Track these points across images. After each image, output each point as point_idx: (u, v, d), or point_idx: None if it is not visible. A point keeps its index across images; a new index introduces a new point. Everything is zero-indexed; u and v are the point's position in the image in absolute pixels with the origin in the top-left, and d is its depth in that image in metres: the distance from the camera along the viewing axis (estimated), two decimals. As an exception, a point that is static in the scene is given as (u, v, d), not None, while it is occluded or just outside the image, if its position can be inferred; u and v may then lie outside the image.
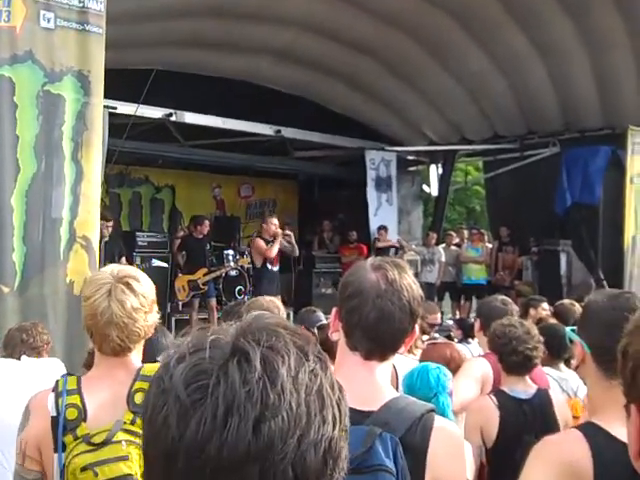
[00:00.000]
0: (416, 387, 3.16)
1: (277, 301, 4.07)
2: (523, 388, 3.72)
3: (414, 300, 1.91)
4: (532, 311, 6.24)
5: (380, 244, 13.42)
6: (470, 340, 7.76)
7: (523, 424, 3.55)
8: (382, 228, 13.61)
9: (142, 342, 2.45)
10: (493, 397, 3.70)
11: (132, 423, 2.26)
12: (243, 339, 0.90)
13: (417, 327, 1.98)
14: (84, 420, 2.28)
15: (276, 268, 10.85)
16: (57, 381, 2.38)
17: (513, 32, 11.31)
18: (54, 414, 2.28)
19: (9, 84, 6.08)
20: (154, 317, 2.42)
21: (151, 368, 2.34)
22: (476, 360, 4.47)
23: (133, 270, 2.47)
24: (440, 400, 3.10)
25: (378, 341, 1.90)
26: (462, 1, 10.76)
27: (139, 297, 2.34)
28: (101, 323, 2.32)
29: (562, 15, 10.79)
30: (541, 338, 3.79)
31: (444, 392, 3.19)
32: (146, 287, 2.39)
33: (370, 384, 1.90)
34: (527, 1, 10.72)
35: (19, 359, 4.11)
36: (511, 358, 3.70)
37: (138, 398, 2.27)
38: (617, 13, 10.63)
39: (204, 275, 11.54)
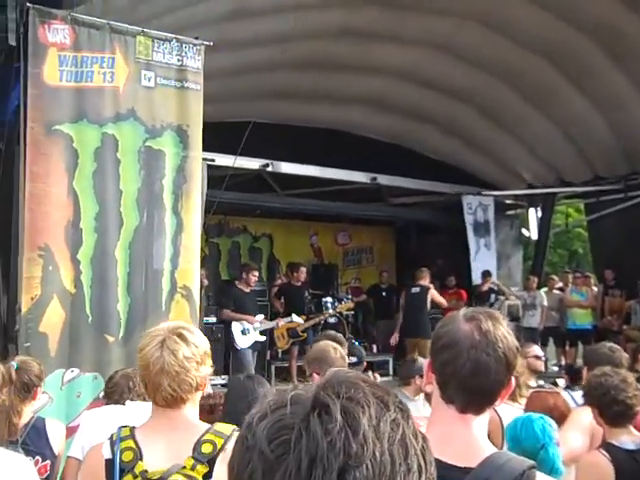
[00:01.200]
0: (522, 438, 3.04)
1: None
2: (630, 438, 3.53)
3: (509, 351, 1.83)
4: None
5: (481, 288, 13.20)
6: (577, 387, 7.49)
7: (638, 475, 3.37)
8: (487, 274, 13.40)
9: (197, 395, 2.46)
10: (604, 451, 3.50)
11: (192, 469, 2.28)
12: (323, 393, 0.90)
13: (513, 379, 1.89)
14: (140, 459, 2.32)
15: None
16: (112, 433, 2.43)
17: (611, 72, 11.04)
18: (109, 457, 2.34)
19: (113, 141, 6.34)
20: (207, 370, 2.45)
21: (224, 427, 2.38)
22: (585, 409, 4.28)
23: (186, 324, 2.56)
24: (549, 452, 2.98)
25: (474, 394, 1.83)
26: (557, 44, 10.59)
27: (191, 347, 2.38)
28: (153, 372, 2.36)
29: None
30: (639, 385, 3.62)
31: (552, 443, 3.05)
32: (199, 339, 2.44)
33: (468, 439, 1.83)
34: (624, 41, 10.46)
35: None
36: (612, 408, 3.53)
37: (205, 448, 2.29)
38: None
39: (303, 322, 11.57)
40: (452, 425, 1.83)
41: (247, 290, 10.75)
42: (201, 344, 2.43)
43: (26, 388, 3.77)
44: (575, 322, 13.47)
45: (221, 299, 11.34)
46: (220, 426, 2.39)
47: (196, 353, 2.38)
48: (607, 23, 10.02)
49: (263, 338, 10.71)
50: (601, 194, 14.11)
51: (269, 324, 10.92)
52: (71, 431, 5.52)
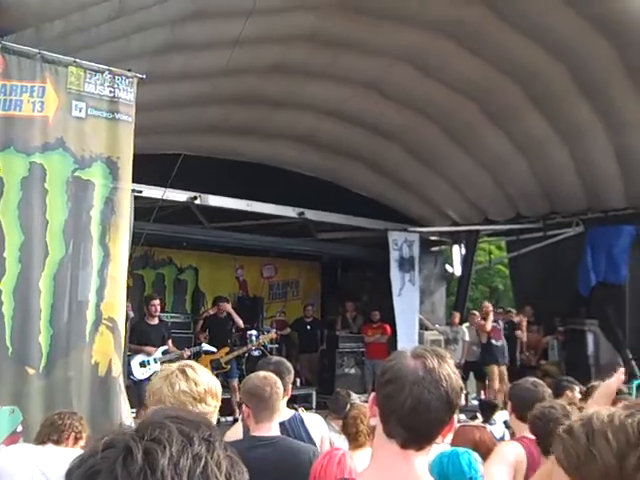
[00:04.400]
0: (449, 473, 3.09)
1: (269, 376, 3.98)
2: None
3: (452, 390, 1.85)
4: (569, 393, 6.12)
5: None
6: (493, 421, 7.66)
7: None
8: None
9: None
10: None
11: None
12: (130, 436, 0.97)
13: (455, 417, 1.92)
14: None
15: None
16: None
17: (533, 117, 11.46)
18: None
19: (40, 170, 6.26)
20: (206, 408, 2.49)
21: None
22: (509, 444, 4.37)
23: (195, 363, 2.66)
24: (477, 485, 3.04)
25: (414, 430, 1.85)
26: (482, 87, 10.96)
27: (190, 383, 2.48)
28: (152, 402, 2.51)
29: (579, 97, 10.94)
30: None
31: (478, 476, 3.12)
32: (201, 377, 2.52)
33: (408, 474, 1.85)
34: (545, 86, 10.88)
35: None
36: (548, 440, 3.61)
37: None
38: (635, 93, 10.75)
39: (226, 354, 11.49)
40: (393, 460, 1.85)
41: (153, 322, 10.60)
42: (202, 382, 2.51)
43: None
44: (495, 357, 13.73)
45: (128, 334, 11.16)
46: None
47: (194, 390, 2.47)
48: (528, 65, 10.42)
49: None
50: (522, 232, 14.54)
51: (174, 354, 10.75)
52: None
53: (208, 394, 2.51)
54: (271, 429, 3.60)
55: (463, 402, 7.23)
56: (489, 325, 12.91)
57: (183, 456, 0.95)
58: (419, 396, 1.83)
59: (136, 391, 9.58)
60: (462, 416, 6.44)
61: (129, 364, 10.09)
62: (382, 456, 1.88)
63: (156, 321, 10.64)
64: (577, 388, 6.33)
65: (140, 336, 10.37)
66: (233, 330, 12.16)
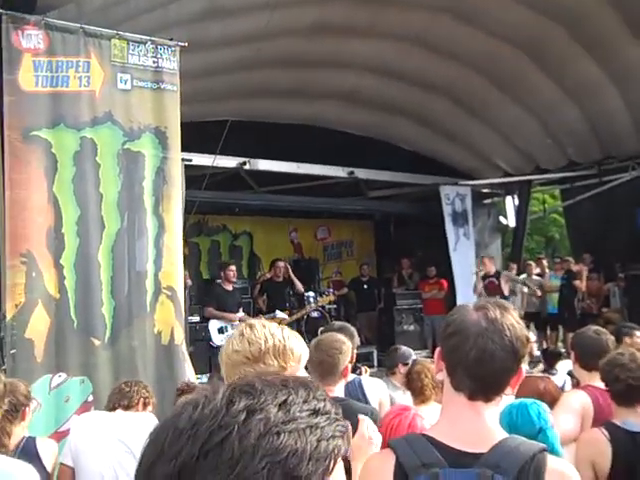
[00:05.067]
0: (518, 424, 3.05)
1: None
2: (635, 420, 3.47)
3: (517, 340, 1.85)
4: (627, 339, 6.02)
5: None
6: (555, 370, 7.60)
7: (637, 457, 3.35)
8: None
9: None
10: (604, 430, 3.46)
11: None
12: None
13: (523, 367, 1.91)
14: None
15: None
16: None
17: (583, 61, 11.13)
18: None
19: (91, 145, 6.32)
20: (268, 368, 2.31)
21: None
22: (575, 392, 4.33)
23: (262, 321, 2.47)
24: (548, 435, 2.99)
25: (480, 381, 1.85)
26: (527, 33, 10.66)
27: (244, 342, 2.35)
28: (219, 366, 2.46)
29: (630, 38, 10.59)
30: None
31: (548, 426, 3.08)
32: (259, 335, 2.36)
33: (478, 425, 1.85)
34: (595, 30, 10.55)
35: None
36: (615, 386, 3.54)
37: None
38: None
39: (287, 317, 11.57)
40: (462, 412, 1.86)
41: (228, 288, 10.75)
42: (258, 341, 2.35)
43: (14, 408, 3.74)
44: (555, 306, 13.59)
45: (204, 298, 11.33)
46: None
47: (247, 349, 2.34)
48: (575, 8, 10.11)
49: None
50: (576, 180, 14.26)
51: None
52: (61, 435, 5.54)
53: (267, 353, 2.34)
54: (333, 391, 3.62)
55: (535, 352, 7.19)
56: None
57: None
58: (483, 346, 1.83)
59: (215, 357, 9.76)
60: (525, 366, 6.38)
61: (207, 330, 10.26)
62: (451, 410, 1.89)
63: (231, 287, 10.82)
64: (637, 333, 6.21)
65: (218, 301, 10.55)
66: (291, 293, 12.23)
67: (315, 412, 0.97)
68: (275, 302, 11.83)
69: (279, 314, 11.45)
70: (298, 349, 2.39)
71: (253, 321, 2.48)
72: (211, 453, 0.90)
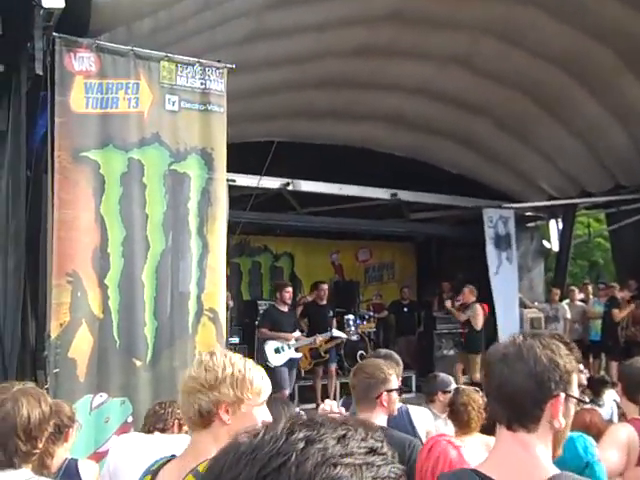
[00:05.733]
0: (566, 458, 2.99)
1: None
2: None
3: (537, 362, 1.81)
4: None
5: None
6: (601, 401, 7.42)
7: None
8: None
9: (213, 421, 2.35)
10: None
11: None
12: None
13: (561, 394, 1.83)
14: None
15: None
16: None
17: (630, 82, 11.01)
18: None
19: (138, 166, 6.40)
20: (221, 397, 2.27)
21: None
22: (621, 426, 4.24)
23: (224, 350, 2.44)
24: (595, 470, 2.95)
25: (506, 407, 1.84)
26: (572, 54, 10.57)
27: (200, 369, 2.31)
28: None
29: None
30: None
31: (595, 460, 3.02)
32: (218, 364, 2.31)
33: (526, 460, 1.80)
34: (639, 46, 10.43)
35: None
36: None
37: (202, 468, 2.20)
38: None
39: (325, 343, 11.49)
40: (508, 445, 1.84)
41: (284, 309, 10.74)
42: (215, 369, 2.30)
43: (58, 430, 3.75)
44: (598, 333, 13.36)
45: (260, 319, 11.31)
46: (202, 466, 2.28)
47: (202, 376, 2.29)
48: (623, 30, 10.00)
49: (299, 355, 10.71)
50: (622, 203, 14.04)
51: (306, 340, 10.91)
52: (100, 456, 5.56)
53: (223, 382, 2.27)
54: (372, 418, 3.59)
55: (585, 382, 7.04)
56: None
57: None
58: (500, 371, 1.84)
59: (273, 378, 9.74)
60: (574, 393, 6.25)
61: (263, 351, 10.28)
62: (498, 443, 1.88)
63: (286, 308, 10.82)
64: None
65: (274, 323, 10.56)
66: (332, 315, 12.15)
67: (372, 451, 0.98)
68: (317, 325, 11.73)
69: (336, 333, 11.44)
70: (258, 382, 2.34)
71: (216, 349, 2.43)
72: (268, 478, 0.92)
